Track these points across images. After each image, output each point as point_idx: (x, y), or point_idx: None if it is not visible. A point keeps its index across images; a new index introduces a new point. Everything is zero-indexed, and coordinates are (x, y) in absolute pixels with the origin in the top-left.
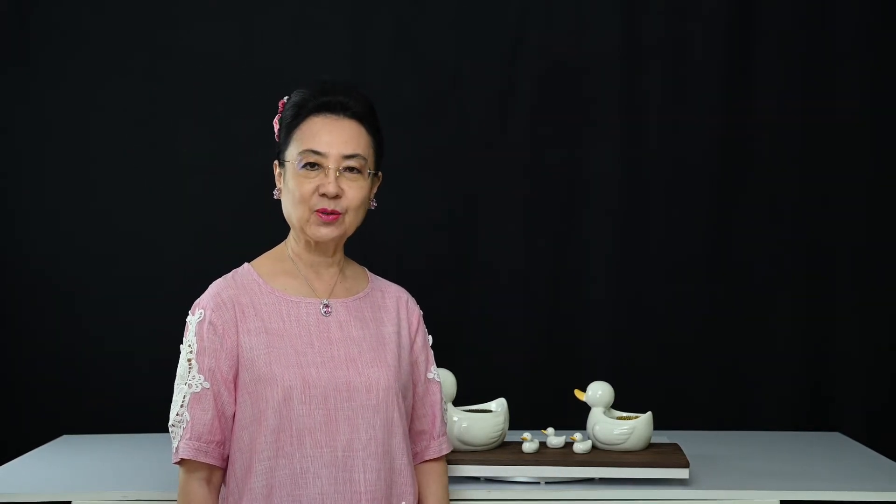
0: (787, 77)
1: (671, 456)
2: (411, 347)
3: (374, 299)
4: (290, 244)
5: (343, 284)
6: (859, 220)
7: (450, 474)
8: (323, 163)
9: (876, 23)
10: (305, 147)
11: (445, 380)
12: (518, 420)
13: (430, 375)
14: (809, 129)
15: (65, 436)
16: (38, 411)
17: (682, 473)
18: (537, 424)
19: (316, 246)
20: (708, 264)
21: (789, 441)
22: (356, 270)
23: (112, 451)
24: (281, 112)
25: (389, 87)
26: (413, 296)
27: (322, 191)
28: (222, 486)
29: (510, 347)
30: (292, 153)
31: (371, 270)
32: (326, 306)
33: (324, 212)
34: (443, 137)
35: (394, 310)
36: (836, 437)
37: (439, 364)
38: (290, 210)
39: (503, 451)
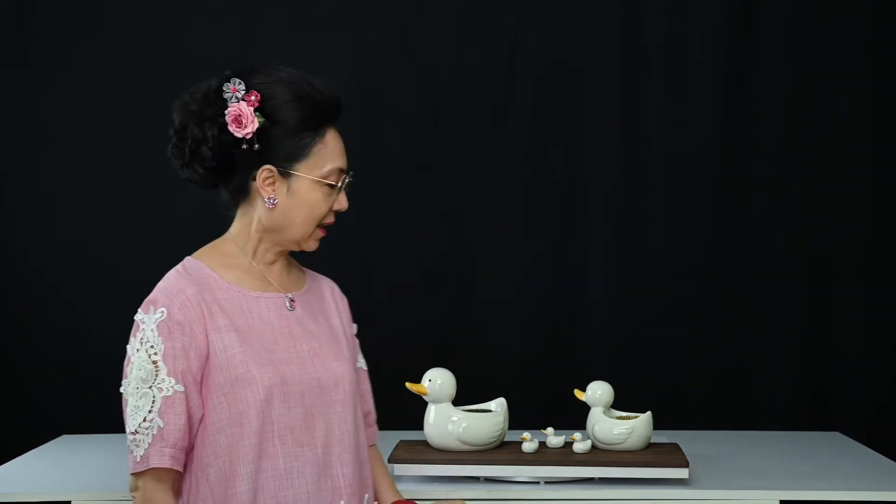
0: (787, 77)
1: (671, 456)
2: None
3: (317, 292)
4: (238, 241)
5: (290, 277)
6: (859, 219)
7: (450, 474)
8: (341, 179)
9: (876, 23)
10: (336, 165)
11: (445, 380)
12: (518, 420)
13: (360, 364)
14: (809, 130)
15: (65, 436)
16: (38, 411)
17: (681, 473)
18: (537, 424)
19: (287, 252)
20: (708, 263)
21: (789, 441)
22: (292, 262)
23: (112, 451)
24: (259, 103)
25: (389, 87)
26: (413, 296)
27: (337, 207)
28: (181, 496)
29: (510, 347)
30: (317, 168)
31: (370, 271)
32: (292, 301)
33: (328, 227)
34: (443, 137)
35: (332, 301)
36: (836, 437)
37: (440, 364)
38: (298, 223)
39: (503, 450)
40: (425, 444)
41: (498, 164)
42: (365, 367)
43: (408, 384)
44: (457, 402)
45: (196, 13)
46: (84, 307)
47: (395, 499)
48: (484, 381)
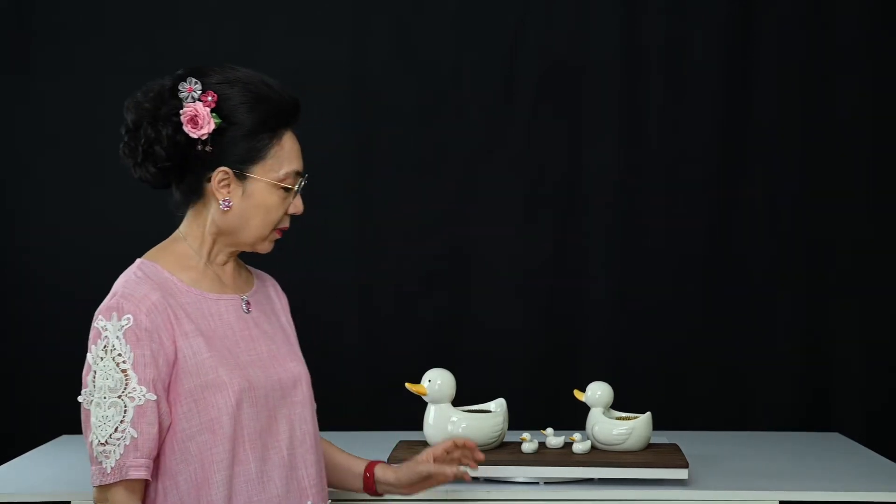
0: (787, 77)
1: (670, 456)
2: None
3: (264, 291)
4: (191, 242)
5: (241, 278)
6: (859, 220)
7: None
8: (297, 182)
9: (876, 23)
10: (293, 168)
11: (445, 380)
12: (517, 420)
13: None
14: (809, 129)
15: (65, 436)
16: (39, 411)
17: (681, 474)
18: (536, 424)
19: (238, 253)
20: (707, 264)
21: (789, 441)
22: (239, 261)
23: None
24: (215, 104)
25: (389, 87)
26: (413, 296)
27: (293, 211)
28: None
29: (510, 347)
30: (273, 170)
31: (369, 271)
32: (248, 303)
33: (283, 230)
34: (442, 137)
35: (276, 299)
36: (836, 437)
37: (440, 364)
38: (253, 227)
39: (502, 451)
40: (425, 444)
41: (498, 164)
42: None
43: (407, 384)
44: (456, 402)
45: (196, 13)
46: (84, 307)
47: (366, 464)
48: (484, 381)
